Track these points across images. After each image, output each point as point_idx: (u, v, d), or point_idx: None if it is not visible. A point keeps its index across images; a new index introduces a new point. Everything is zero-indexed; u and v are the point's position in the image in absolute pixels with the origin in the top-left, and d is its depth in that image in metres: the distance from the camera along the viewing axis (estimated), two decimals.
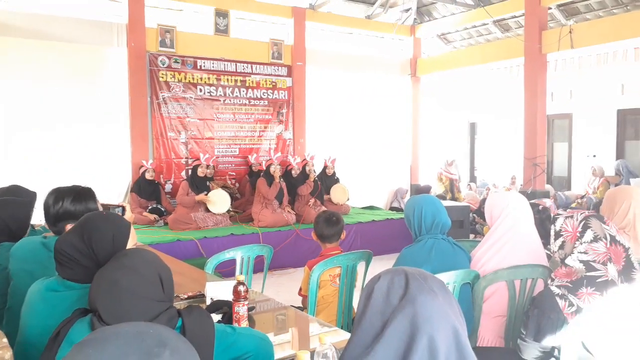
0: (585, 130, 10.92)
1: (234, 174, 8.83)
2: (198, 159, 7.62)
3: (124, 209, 2.69)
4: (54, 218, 2.35)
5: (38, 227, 3.19)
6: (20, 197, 3.00)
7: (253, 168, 8.49)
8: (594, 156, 10.43)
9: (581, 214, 2.35)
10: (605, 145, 10.49)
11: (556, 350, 2.26)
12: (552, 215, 3.44)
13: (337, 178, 8.70)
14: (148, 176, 7.61)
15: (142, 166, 7.69)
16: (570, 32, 8.14)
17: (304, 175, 7.99)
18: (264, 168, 7.85)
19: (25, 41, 7.25)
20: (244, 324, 2.19)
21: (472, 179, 13.25)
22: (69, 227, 2.20)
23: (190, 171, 7.56)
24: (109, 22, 7.87)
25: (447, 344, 1.03)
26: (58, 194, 2.38)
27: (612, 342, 2.09)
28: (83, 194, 2.41)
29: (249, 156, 8.68)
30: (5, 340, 1.66)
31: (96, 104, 7.80)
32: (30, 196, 3.17)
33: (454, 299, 1.13)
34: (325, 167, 8.67)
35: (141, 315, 1.50)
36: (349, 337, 1.15)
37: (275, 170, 7.46)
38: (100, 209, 2.48)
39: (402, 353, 1.03)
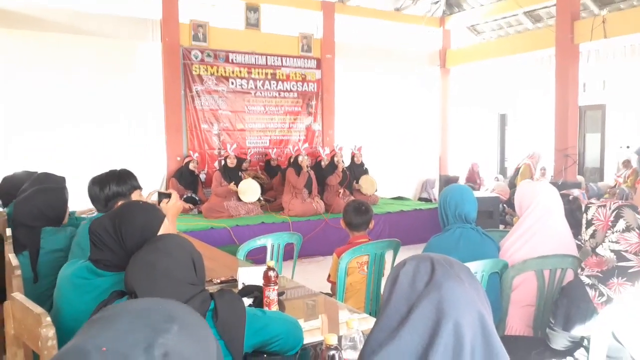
0: (618, 121, 10.71)
1: (263, 164, 8.94)
2: (226, 149, 7.78)
3: (170, 195, 2.76)
4: (104, 201, 2.54)
5: (80, 215, 3.31)
6: (51, 184, 3.13)
7: (272, 163, 8.60)
8: (628, 147, 10.22)
9: (614, 203, 2.29)
10: (639, 135, 10.27)
11: (585, 340, 2.24)
12: (582, 205, 3.42)
13: (366, 168, 8.72)
14: (191, 166, 7.85)
15: (188, 156, 7.94)
16: (603, 21, 7.97)
17: (332, 165, 8.03)
18: (289, 161, 8.00)
19: (61, 36, 7.46)
20: (274, 308, 2.21)
21: (502, 170, 13.12)
22: (120, 202, 2.42)
23: (222, 162, 7.73)
24: (143, 18, 8.06)
25: (473, 330, 1.01)
26: (103, 180, 2.58)
27: None
28: (124, 175, 2.62)
29: (270, 150, 8.77)
30: (48, 319, 1.72)
31: (131, 98, 8.00)
32: (61, 182, 3.31)
33: (480, 286, 1.12)
34: (353, 156, 8.71)
35: (175, 297, 1.47)
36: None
37: (303, 160, 7.53)
38: (143, 196, 2.63)
39: (427, 338, 1.01)
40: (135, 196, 2.57)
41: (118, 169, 2.68)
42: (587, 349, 2.21)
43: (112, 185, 2.55)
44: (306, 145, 8.55)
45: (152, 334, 0.73)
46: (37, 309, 1.77)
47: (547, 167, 10.09)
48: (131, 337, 0.72)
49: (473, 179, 11.28)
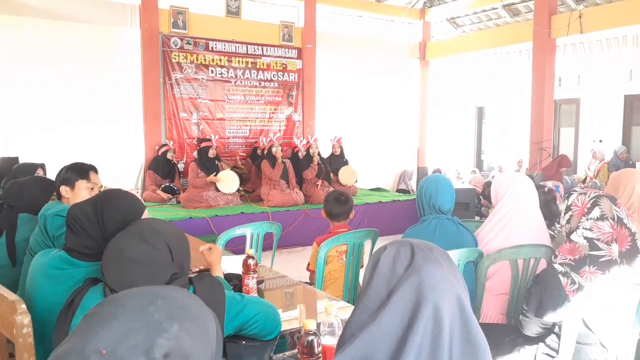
0: (592, 115, 10.90)
1: (244, 154, 8.89)
2: (207, 139, 7.68)
3: None
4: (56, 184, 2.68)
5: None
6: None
7: (257, 151, 8.53)
8: (601, 141, 10.42)
9: (595, 192, 2.32)
10: (611, 130, 10.47)
11: (557, 327, 2.27)
12: (556, 197, 3.48)
13: (346, 159, 8.74)
14: (169, 156, 7.75)
15: (165, 145, 7.80)
16: (579, 16, 8.09)
17: (308, 158, 8.03)
18: (262, 152, 7.96)
19: (39, 21, 7.28)
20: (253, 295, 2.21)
21: (479, 163, 13.26)
22: (61, 188, 2.62)
23: (200, 152, 7.65)
24: (122, 2, 7.89)
25: (451, 312, 1.04)
26: (61, 169, 2.72)
27: (611, 320, 2.13)
28: (77, 166, 2.71)
29: (260, 137, 8.73)
30: (24, 306, 1.69)
31: (109, 84, 7.85)
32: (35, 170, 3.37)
33: (458, 270, 1.14)
34: (333, 147, 8.71)
35: (147, 283, 1.49)
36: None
37: (277, 151, 7.51)
38: (102, 182, 2.77)
39: (407, 320, 1.03)
40: (78, 186, 2.64)
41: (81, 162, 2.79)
42: (558, 335, 2.24)
43: (62, 173, 2.67)
44: (279, 134, 8.51)
45: (152, 335, 0.72)
46: (12, 296, 1.74)
47: (523, 159, 10.23)
48: (131, 338, 0.71)
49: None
